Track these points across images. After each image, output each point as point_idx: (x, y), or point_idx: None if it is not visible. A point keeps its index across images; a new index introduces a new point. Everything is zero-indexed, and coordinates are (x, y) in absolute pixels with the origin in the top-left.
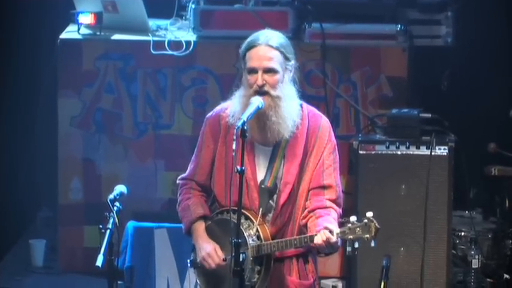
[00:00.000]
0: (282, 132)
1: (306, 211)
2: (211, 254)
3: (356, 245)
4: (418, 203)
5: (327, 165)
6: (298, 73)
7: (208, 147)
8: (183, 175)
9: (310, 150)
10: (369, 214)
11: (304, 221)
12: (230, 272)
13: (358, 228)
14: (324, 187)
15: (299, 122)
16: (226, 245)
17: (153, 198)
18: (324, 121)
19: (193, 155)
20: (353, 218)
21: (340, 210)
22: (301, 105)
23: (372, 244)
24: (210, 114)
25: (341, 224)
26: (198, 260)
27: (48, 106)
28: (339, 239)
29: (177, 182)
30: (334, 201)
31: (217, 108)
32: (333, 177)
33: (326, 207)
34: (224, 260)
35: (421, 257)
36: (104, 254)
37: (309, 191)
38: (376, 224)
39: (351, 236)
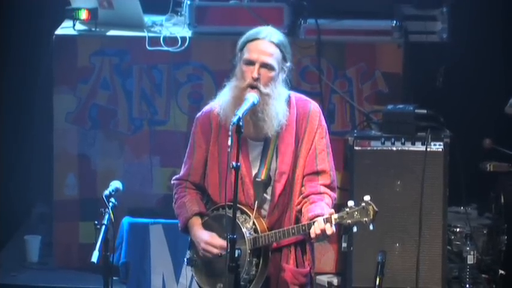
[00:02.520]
0: (266, 130)
1: (300, 197)
2: (209, 241)
3: (354, 229)
4: (413, 199)
5: (320, 149)
6: (291, 75)
7: (200, 148)
8: (177, 176)
9: (301, 136)
10: (367, 198)
11: (298, 207)
12: (226, 268)
13: (356, 212)
14: (317, 172)
15: (287, 116)
16: (223, 240)
17: (149, 194)
18: (313, 106)
19: (186, 156)
20: (350, 203)
21: (334, 195)
22: (289, 95)
23: (371, 227)
24: (199, 114)
25: (338, 209)
26: (195, 257)
27: (44, 102)
28: (333, 226)
29: (172, 182)
30: (328, 186)
31: (207, 107)
32: (326, 161)
33: (320, 193)
34: (220, 255)
35: (416, 252)
36: (99, 250)
37: (303, 177)
38: (374, 207)
39: (349, 221)
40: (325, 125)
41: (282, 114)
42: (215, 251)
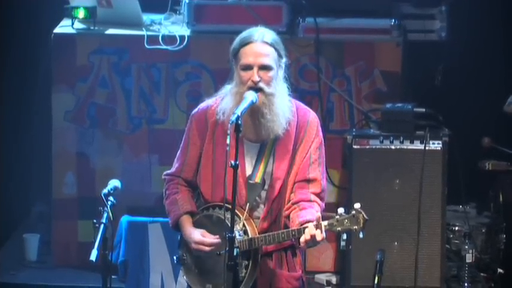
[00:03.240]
0: (276, 130)
1: (289, 203)
2: (200, 241)
3: (344, 236)
4: (412, 198)
5: (313, 159)
6: (288, 71)
7: (195, 145)
8: (169, 171)
9: (298, 144)
10: (357, 205)
11: (287, 212)
12: (224, 267)
13: (346, 220)
14: (308, 180)
15: (290, 118)
16: None
17: (147, 193)
18: (313, 116)
19: (179, 152)
20: (340, 210)
21: (323, 205)
22: (290, 102)
23: (361, 235)
24: (195, 111)
25: (328, 217)
26: (184, 255)
27: (43, 101)
28: (323, 233)
29: (163, 177)
30: (318, 194)
31: (202, 105)
32: (318, 171)
33: (310, 201)
34: (218, 254)
35: (415, 251)
36: (97, 249)
37: (294, 183)
38: (364, 215)
39: (339, 228)
40: (322, 135)
41: (287, 110)
42: (207, 249)
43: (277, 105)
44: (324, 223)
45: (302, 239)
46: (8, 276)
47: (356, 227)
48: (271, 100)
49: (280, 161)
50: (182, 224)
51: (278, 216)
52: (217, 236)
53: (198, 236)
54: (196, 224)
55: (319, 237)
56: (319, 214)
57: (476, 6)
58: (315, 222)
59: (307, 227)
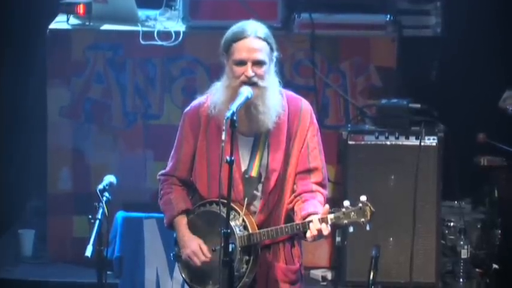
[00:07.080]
0: (267, 123)
1: (292, 196)
2: (196, 251)
3: (351, 229)
4: (407, 193)
5: (312, 147)
6: (278, 65)
7: (188, 143)
8: (164, 171)
9: (293, 134)
10: (363, 198)
11: (290, 205)
12: (219, 263)
13: (352, 213)
14: (310, 171)
15: (282, 106)
16: (212, 236)
17: (142, 188)
18: (305, 104)
19: (173, 151)
20: (346, 203)
21: (326, 192)
22: (280, 93)
23: (368, 228)
24: (188, 109)
25: (332, 205)
26: (181, 253)
27: (38, 96)
28: (329, 226)
29: (158, 177)
30: (319, 183)
31: (195, 102)
32: (319, 159)
33: (312, 191)
34: (213, 250)
35: (410, 247)
36: (93, 244)
37: (295, 175)
38: (371, 208)
39: (346, 221)
40: (316, 123)
41: (278, 104)
42: (199, 263)
43: (269, 99)
44: (330, 216)
45: (308, 235)
46: (3, 271)
47: (363, 219)
48: (264, 93)
49: (274, 152)
50: (177, 225)
51: (276, 209)
52: (214, 248)
53: (196, 246)
54: (192, 222)
55: (325, 232)
56: (327, 207)
57: (471, 1)
58: (320, 216)
59: (311, 220)
